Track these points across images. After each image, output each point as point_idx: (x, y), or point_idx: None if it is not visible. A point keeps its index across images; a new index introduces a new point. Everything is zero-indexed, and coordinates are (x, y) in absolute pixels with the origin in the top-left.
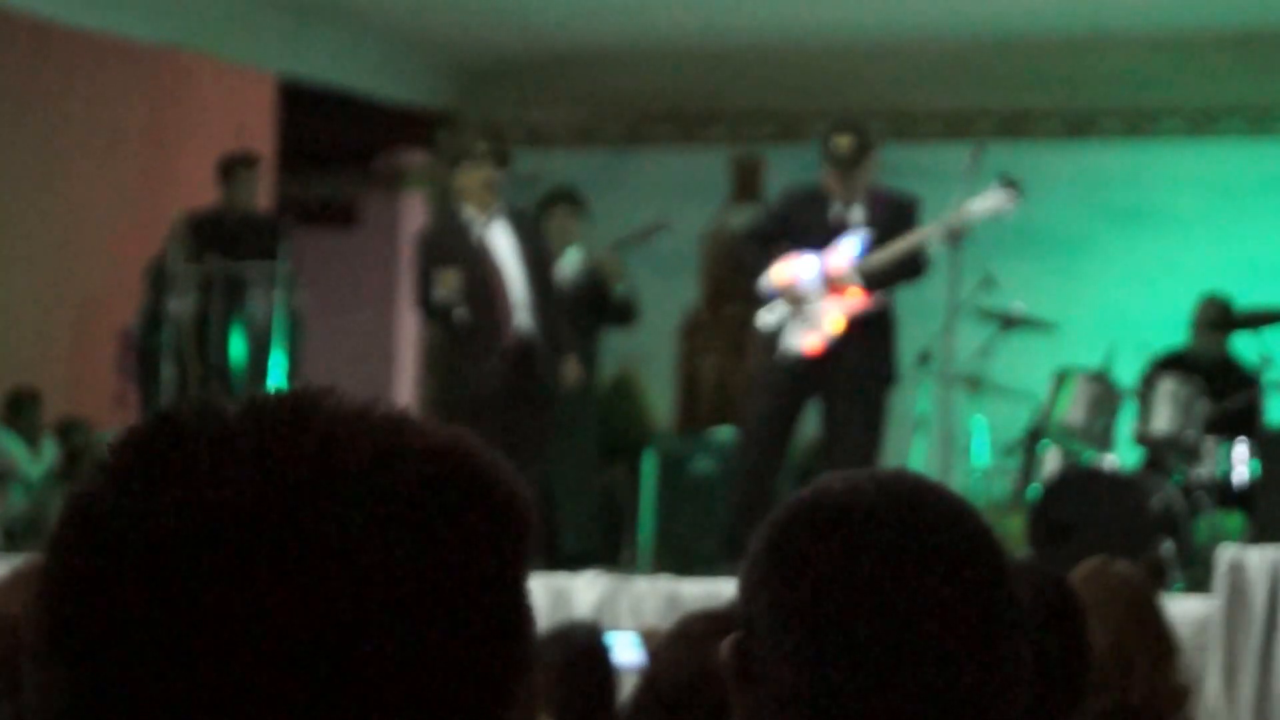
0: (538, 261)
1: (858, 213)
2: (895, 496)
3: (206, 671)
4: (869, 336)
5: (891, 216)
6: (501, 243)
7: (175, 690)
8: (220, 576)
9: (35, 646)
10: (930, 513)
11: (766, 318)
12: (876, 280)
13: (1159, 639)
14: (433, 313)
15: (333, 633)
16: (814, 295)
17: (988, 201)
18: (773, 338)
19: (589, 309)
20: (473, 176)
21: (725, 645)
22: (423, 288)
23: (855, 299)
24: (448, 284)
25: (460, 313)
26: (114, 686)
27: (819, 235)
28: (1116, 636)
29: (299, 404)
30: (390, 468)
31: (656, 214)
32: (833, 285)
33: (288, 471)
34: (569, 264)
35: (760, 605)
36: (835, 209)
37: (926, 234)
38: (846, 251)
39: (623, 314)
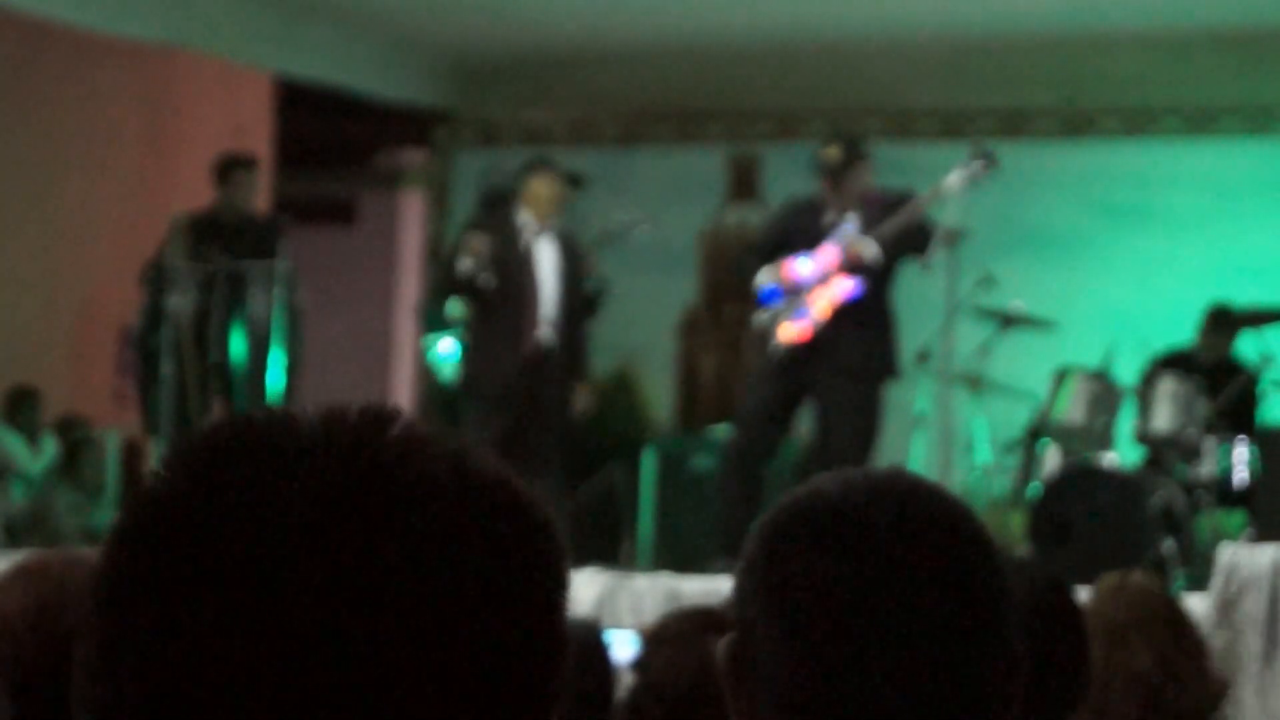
0: (573, 286)
1: (852, 219)
2: (890, 497)
3: (274, 681)
4: (865, 330)
5: (884, 214)
6: (546, 256)
7: (243, 698)
8: (293, 588)
9: (96, 650)
10: (925, 513)
11: (762, 317)
12: (860, 267)
13: (1195, 642)
14: (457, 285)
15: (393, 649)
16: (806, 288)
17: (965, 171)
18: (766, 335)
19: None
20: (547, 187)
21: (721, 647)
22: (448, 265)
23: (843, 287)
24: (475, 249)
25: (485, 278)
26: (180, 694)
27: (812, 242)
28: (1161, 652)
29: (375, 420)
30: (461, 492)
31: (636, 211)
32: (824, 278)
33: (366, 486)
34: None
35: (755, 607)
36: (829, 217)
37: (913, 206)
38: (837, 243)
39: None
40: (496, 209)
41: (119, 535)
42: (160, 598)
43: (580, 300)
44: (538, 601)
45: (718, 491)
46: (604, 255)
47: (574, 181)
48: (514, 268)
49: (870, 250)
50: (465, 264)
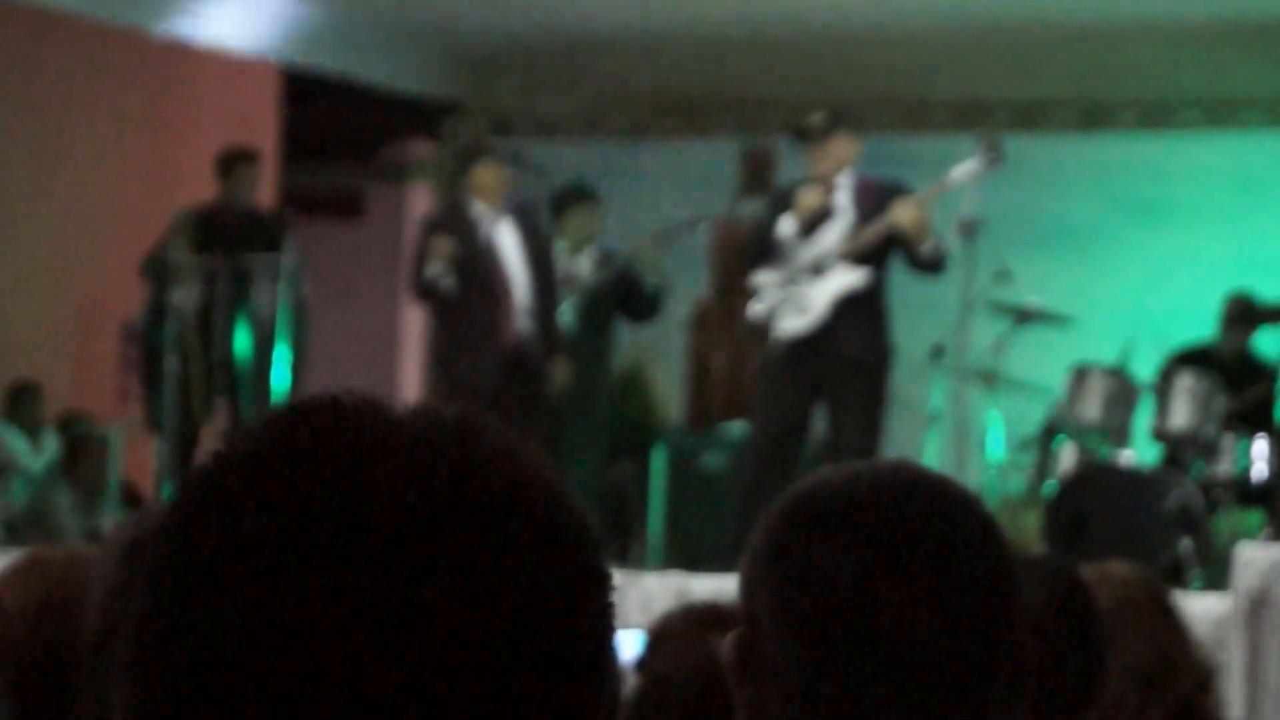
0: (540, 262)
1: (842, 199)
2: (896, 488)
3: (345, 672)
4: (860, 319)
5: (879, 200)
6: (508, 242)
7: (310, 687)
8: (372, 580)
9: (150, 631)
10: (932, 504)
11: (757, 307)
12: (864, 256)
13: (1182, 626)
14: (425, 291)
15: (469, 655)
16: (803, 278)
17: (968, 166)
18: (765, 328)
19: (613, 303)
20: (491, 174)
21: (728, 642)
22: (418, 269)
23: (843, 279)
24: (440, 253)
25: (448, 283)
26: (242, 681)
27: (806, 224)
28: (1151, 639)
29: (470, 418)
30: (546, 502)
31: (695, 210)
32: (821, 269)
33: (464, 477)
34: (586, 260)
35: (762, 601)
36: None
37: (918, 199)
38: (832, 234)
39: (652, 308)
40: (451, 207)
41: (184, 512)
42: (237, 570)
43: (548, 272)
44: (601, 621)
45: (740, 498)
46: (665, 252)
47: (515, 160)
48: (480, 263)
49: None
50: (433, 268)
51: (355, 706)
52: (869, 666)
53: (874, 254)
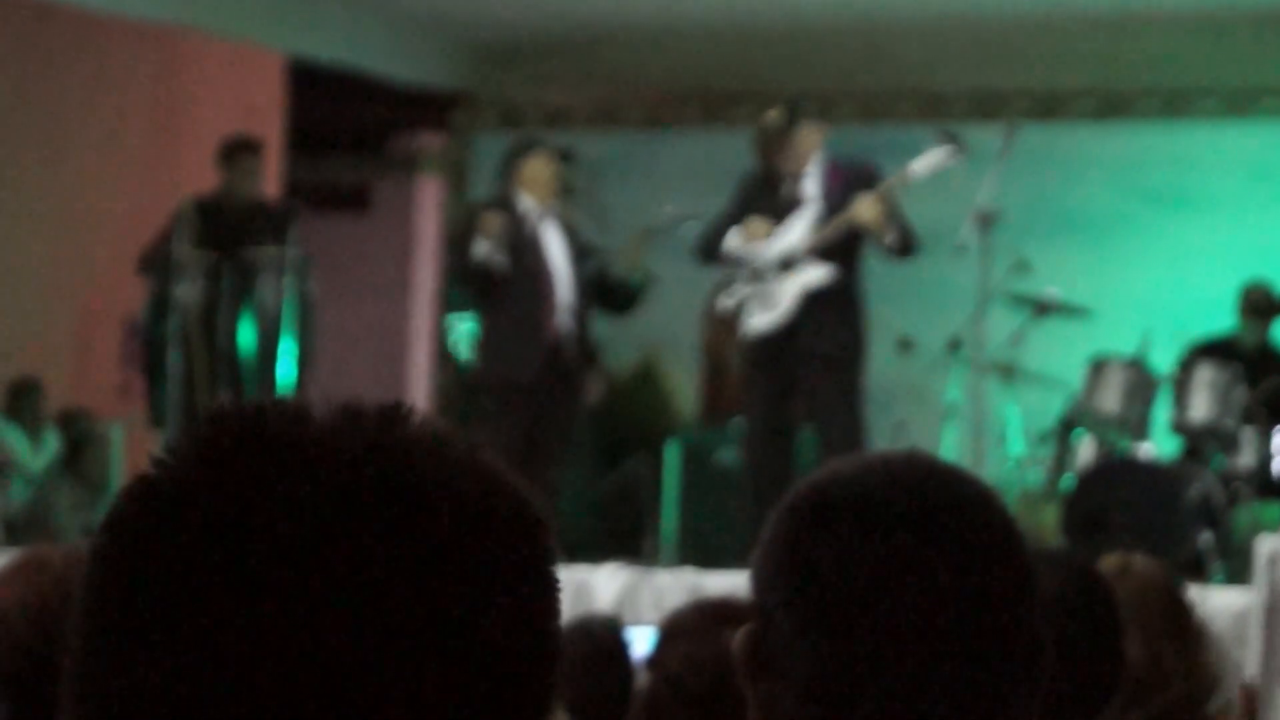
0: (583, 264)
1: (811, 186)
2: (910, 480)
3: (275, 683)
4: (828, 314)
5: (846, 187)
6: (553, 240)
7: (242, 701)
8: (301, 589)
9: (83, 648)
10: (946, 496)
11: (725, 301)
12: (829, 252)
13: (1192, 635)
14: (473, 271)
15: (397, 652)
16: (770, 274)
17: (929, 159)
18: (731, 321)
19: (592, 297)
20: (544, 167)
21: (739, 636)
22: (461, 250)
23: (808, 275)
24: (490, 229)
25: (500, 260)
26: (173, 697)
27: (773, 215)
28: (1151, 646)
29: (391, 418)
30: (474, 495)
31: (684, 203)
32: (790, 264)
33: (379, 484)
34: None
35: (775, 595)
36: (785, 186)
37: (866, 202)
38: (798, 227)
39: (632, 303)
40: (499, 198)
41: (114, 524)
42: (159, 593)
43: (589, 280)
44: (539, 601)
45: (745, 497)
46: (650, 248)
47: (565, 158)
48: (526, 253)
49: (821, 272)
50: (482, 247)
51: (291, 715)
52: (883, 661)
53: (840, 249)
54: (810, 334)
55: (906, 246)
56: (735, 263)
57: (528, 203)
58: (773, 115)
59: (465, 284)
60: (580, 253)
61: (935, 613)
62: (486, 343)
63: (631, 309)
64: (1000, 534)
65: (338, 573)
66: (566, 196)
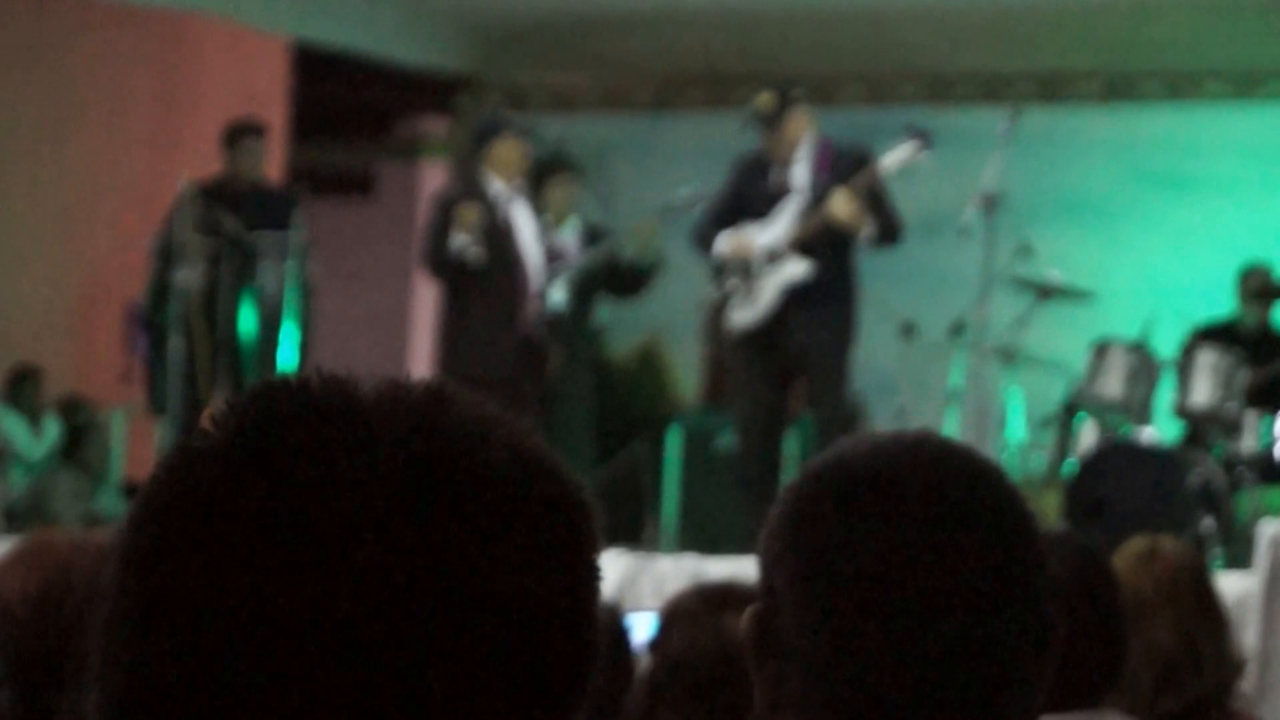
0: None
1: (800, 174)
2: (921, 459)
3: (317, 661)
4: (811, 308)
5: (834, 174)
6: (523, 223)
7: (283, 678)
8: (346, 568)
9: (125, 608)
10: (957, 475)
11: (713, 294)
12: (810, 247)
13: (1219, 620)
14: (447, 264)
15: (442, 633)
16: (758, 267)
17: (898, 155)
18: (718, 316)
19: (603, 282)
20: (513, 149)
21: (746, 616)
22: (438, 243)
23: (788, 271)
24: (467, 220)
25: (475, 253)
26: (209, 674)
27: (763, 203)
28: (1183, 630)
29: (438, 395)
30: (518, 477)
31: (695, 185)
32: (775, 256)
33: (428, 463)
34: (570, 233)
35: (782, 575)
36: (774, 174)
37: (839, 196)
38: (783, 220)
39: (642, 285)
40: (467, 182)
41: (155, 493)
42: (199, 563)
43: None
44: (583, 588)
45: (735, 488)
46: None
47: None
48: (499, 242)
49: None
50: (459, 239)
51: (329, 693)
52: (892, 641)
53: (823, 241)
54: (793, 329)
55: (887, 235)
56: (722, 266)
57: (497, 185)
58: (764, 99)
59: (439, 277)
60: (590, 236)
61: (945, 591)
62: (458, 338)
63: (641, 292)
64: (1011, 512)
65: (381, 549)
66: (575, 180)
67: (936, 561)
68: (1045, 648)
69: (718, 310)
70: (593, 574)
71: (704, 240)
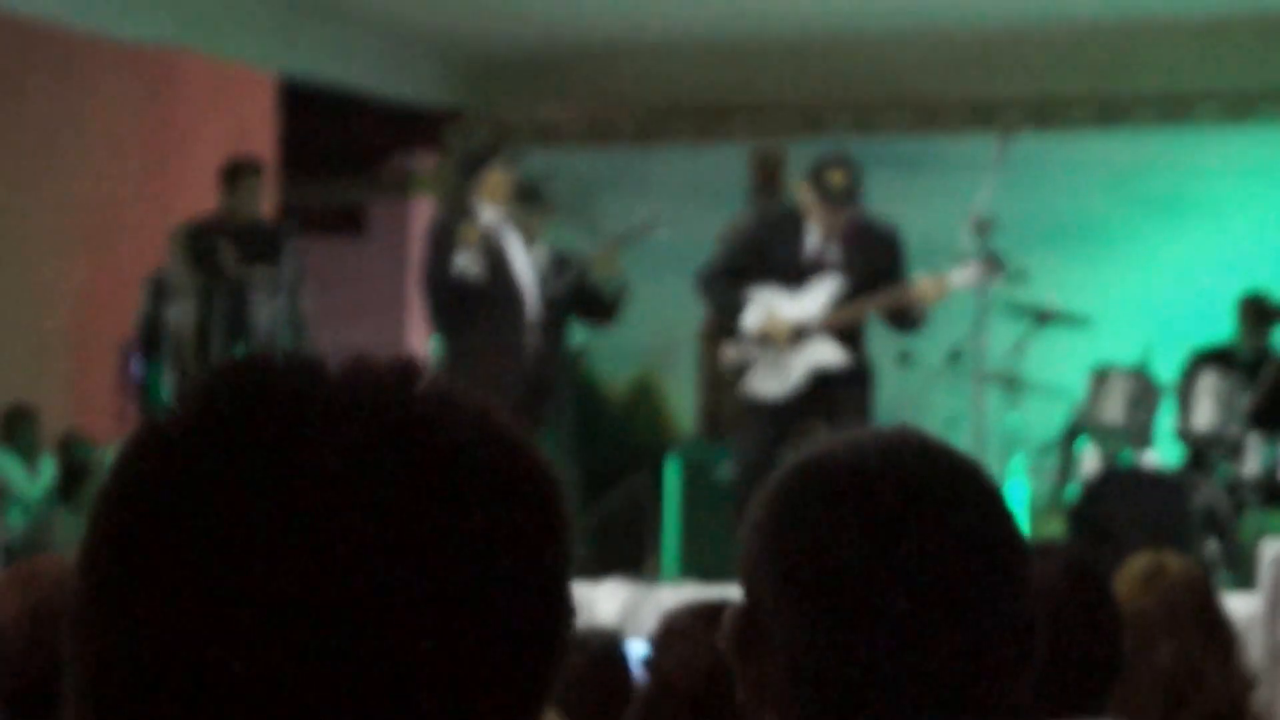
0: (562, 275)
1: (834, 249)
2: (901, 456)
3: (285, 642)
4: (842, 388)
5: (871, 252)
6: (517, 250)
7: (251, 661)
8: (313, 545)
9: (93, 588)
10: (936, 471)
11: (730, 354)
12: (848, 334)
13: (1226, 640)
14: (446, 286)
15: (412, 611)
16: (785, 342)
17: (973, 272)
18: (737, 376)
19: (570, 309)
20: (504, 179)
21: (727, 617)
22: (440, 263)
23: (824, 354)
24: (471, 238)
25: (477, 272)
26: (177, 657)
27: (792, 268)
28: (1188, 651)
29: (403, 374)
30: (486, 453)
31: (651, 212)
32: (801, 335)
33: (396, 437)
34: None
35: (764, 574)
36: (812, 242)
37: (898, 296)
38: (819, 296)
39: (611, 312)
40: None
41: (121, 471)
42: (165, 542)
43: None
44: (552, 564)
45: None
46: (624, 257)
47: (537, 197)
48: (497, 267)
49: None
50: (461, 259)
51: (301, 668)
52: (874, 639)
53: (853, 324)
54: (818, 402)
55: (916, 325)
56: (748, 344)
57: (489, 213)
58: (837, 179)
59: (441, 298)
60: (559, 264)
61: (925, 588)
62: (461, 363)
63: (611, 317)
64: (990, 508)
65: (348, 527)
66: (549, 212)
67: (915, 557)
68: (1027, 644)
69: (732, 372)
70: (562, 547)
71: (711, 289)
